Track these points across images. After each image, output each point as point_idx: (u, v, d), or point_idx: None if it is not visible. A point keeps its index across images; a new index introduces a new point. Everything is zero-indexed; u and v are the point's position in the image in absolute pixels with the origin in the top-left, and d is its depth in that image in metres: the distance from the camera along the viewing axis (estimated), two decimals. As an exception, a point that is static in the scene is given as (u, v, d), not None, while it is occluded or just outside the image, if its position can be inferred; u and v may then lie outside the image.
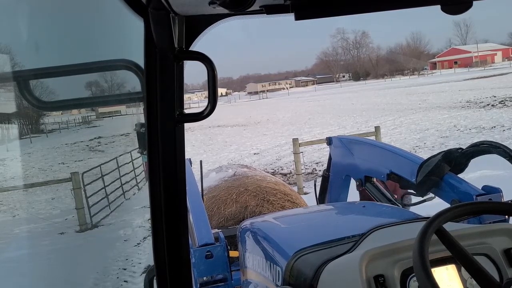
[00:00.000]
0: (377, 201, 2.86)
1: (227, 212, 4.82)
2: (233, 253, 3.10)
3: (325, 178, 3.63)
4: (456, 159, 2.20)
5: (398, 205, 2.63)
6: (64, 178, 11.19)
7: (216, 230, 4.34)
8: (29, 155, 28.11)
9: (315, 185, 3.85)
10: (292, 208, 4.93)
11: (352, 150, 3.11)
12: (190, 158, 4.13)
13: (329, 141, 3.45)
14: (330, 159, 3.55)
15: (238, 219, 4.76)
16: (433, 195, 2.34)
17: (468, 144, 2.26)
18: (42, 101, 1.29)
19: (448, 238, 1.13)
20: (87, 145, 30.04)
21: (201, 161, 4.23)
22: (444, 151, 2.30)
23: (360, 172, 3.00)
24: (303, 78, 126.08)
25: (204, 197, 4.13)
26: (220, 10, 1.05)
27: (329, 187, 3.60)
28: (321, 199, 3.73)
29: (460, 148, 2.25)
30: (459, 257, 1.11)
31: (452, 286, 1.20)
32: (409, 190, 2.46)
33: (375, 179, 2.93)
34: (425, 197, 2.42)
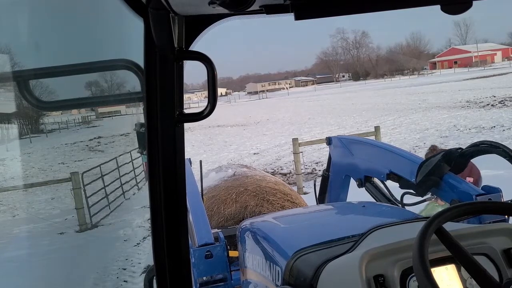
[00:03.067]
0: (377, 200, 2.86)
1: (226, 212, 4.82)
2: (232, 253, 3.10)
3: (325, 178, 3.64)
4: (456, 159, 2.21)
5: (398, 205, 2.63)
6: (64, 178, 11.19)
7: (216, 230, 4.35)
8: (29, 155, 28.10)
9: (314, 185, 3.85)
10: (291, 207, 4.93)
11: (352, 150, 3.11)
12: (189, 158, 4.14)
13: (328, 141, 3.45)
14: (329, 159, 3.55)
15: (237, 219, 4.76)
16: (433, 195, 2.35)
17: (468, 144, 2.26)
18: (42, 101, 1.29)
19: (448, 238, 1.13)
20: (87, 145, 30.02)
21: (200, 161, 4.23)
22: (443, 150, 2.30)
23: (359, 172, 3.00)
24: (303, 78, 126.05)
25: (203, 197, 4.14)
26: (220, 10, 1.05)
27: (329, 187, 3.61)
28: (320, 199, 3.74)
29: (460, 148, 2.25)
30: (459, 257, 1.11)
31: (452, 286, 1.20)
32: (408, 190, 2.46)
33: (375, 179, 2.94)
34: (424, 197, 2.42)
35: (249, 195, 4.98)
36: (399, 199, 2.61)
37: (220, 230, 4.34)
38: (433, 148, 5.57)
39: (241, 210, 4.85)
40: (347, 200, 3.53)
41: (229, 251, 2.76)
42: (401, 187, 2.53)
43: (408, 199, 2.51)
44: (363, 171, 2.96)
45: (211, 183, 5.37)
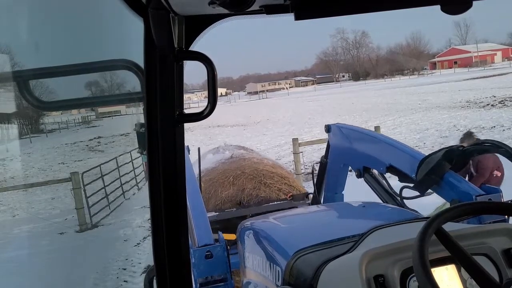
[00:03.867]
0: (376, 192, 2.85)
1: (224, 195, 4.82)
2: (229, 236, 3.09)
3: (323, 164, 3.64)
4: (458, 157, 2.20)
5: (396, 198, 2.62)
6: (64, 178, 11.19)
7: (213, 213, 4.34)
8: (29, 155, 28.10)
9: (312, 171, 3.87)
10: (288, 191, 4.94)
11: (352, 140, 3.07)
12: (187, 145, 4.15)
13: (328, 128, 3.42)
14: (328, 145, 3.53)
15: (234, 202, 4.78)
16: (431, 191, 2.34)
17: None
18: (42, 101, 1.29)
19: (448, 239, 1.13)
20: (87, 145, 30.03)
21: (199, 148, 4.25)
22: (445, 148, 2.29)
23: (358, 162, 2.97)
24: (303, 78, 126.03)
25: (201, 179, 4.16)
26: (220, 10, 1.05)
27: (327, 173, 3.60)
28: (318, 185, 3.75)
29: (462, 146, 2.24)
30: (459, 258, 1.11)
31: (452, 286, 1.20)
32: (408, 184, 2.45)
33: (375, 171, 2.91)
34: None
35: (246, 178, 4.97)
36: (397, 192, 2.59)
37: (217, 213, 4.34)
38: (469, 134, 5.59)
39: (238, 193, 4.84)
40: (344, 188, 3.55)
41: (226, 234, 2.74)
42: (400, 180, 2.53)
43: (406, 192, 2.49)
44: (362, 162, 2.93)
45: (208, 165, 5.37)
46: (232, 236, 2.93)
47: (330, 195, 3.63)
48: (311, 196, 4.36)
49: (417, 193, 2.40)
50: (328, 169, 3.56)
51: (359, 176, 2.99)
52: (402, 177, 2.50)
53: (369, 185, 2.93)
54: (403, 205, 2.54)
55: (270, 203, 4.66)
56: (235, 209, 4.56)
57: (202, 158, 5.06)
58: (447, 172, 2.19)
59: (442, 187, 2.21)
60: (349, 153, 3.12)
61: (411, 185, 2.39)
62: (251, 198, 4.81)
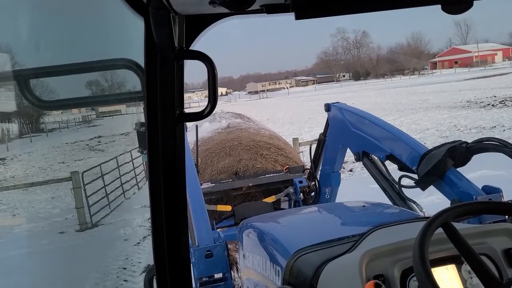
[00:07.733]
0: (374, 177, 2.83)
1: (220, 165, 4.81)
2: (224, 207, 3.04)
3: (321, 142, 3.62)
4: (460, 154, 2.19)
5: (395, 185, 2.60)
6: (64, 177, 11.18)
7: (209, 184, 4.31)
8: (29, 154, 28.10)
9: (310, 148, 3.86)
10: (285, 162, 4.93)
11: (352, 123, 3.01)
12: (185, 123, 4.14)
13: (327, 107, 3.37)
14: (327, 124, 3.50)
15: (231, 172, 4.76)
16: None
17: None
18: (43, 100, 1.29)
19: (455, 234, 1.12)
20: (87, 144, 30.02)
21: (197, 126, 4.22)
22: (448, 143, 2.27)
23: (358, 145, 2.93)
24: (303, 77, 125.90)
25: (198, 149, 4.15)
26: (220, 9, 1.05)
27: (325, 150, 3.58)
28: (315, 161, 3.74)
29: (465, 143, 2.22)
30: (465, 254, 1.10)
31: (452, 286, 1.20)
32: (407, 174, 2.44)
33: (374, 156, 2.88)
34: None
35: (243, 149, 4.96)
36: (395, 179, 2.57)
37: (212, 184, 4.32)
38: None
39: (234, 163, 4.82)
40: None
41: (221, 206, 2.71)
42: (400, 169, 2.52)
43: (404, 181, 2.47)
44: (361, 146, 2.89)
45: (205, 135, 5.33)
46: (227, 208, 2.90)
47: (327, 171, 3.59)
48: (307, 172, 4.32)
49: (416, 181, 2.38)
50: (326, 146, 3.54)
51: (358, 159, 2.96)
52: (402, 166, 2.49)
53: (367, 169, 2.91)
54: (400, 193, 2.54)
55: (266, 175, 4.63)
56: (231, 180, 4.53)
57: (198, 126, 5.04)
58: (449, 169, 2.18)
59: (443, 185, 2.21)
60: (349, 135, 3.06)
61: (411, 174, 2.39)
62: (247, 169, 4.79)
